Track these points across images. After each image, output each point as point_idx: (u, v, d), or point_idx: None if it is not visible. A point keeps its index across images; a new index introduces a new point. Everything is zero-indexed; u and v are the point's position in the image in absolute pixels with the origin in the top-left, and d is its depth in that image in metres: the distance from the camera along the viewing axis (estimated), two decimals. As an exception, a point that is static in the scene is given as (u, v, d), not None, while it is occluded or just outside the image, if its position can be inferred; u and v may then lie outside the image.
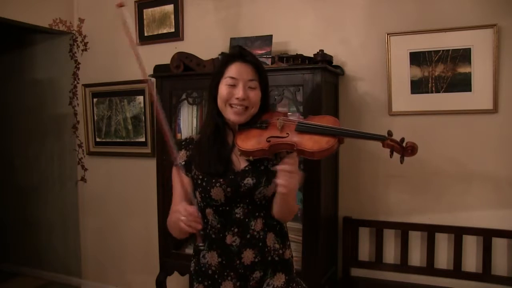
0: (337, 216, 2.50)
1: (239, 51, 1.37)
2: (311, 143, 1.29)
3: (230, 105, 1.34)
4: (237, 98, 1.31)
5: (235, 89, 1.33)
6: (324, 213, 2.21)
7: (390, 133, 1.30)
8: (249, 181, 1.34)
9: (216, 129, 1.38)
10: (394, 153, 1.31)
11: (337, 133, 1.30)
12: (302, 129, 1.32)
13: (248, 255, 1.35)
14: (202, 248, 1.39)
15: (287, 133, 1.32)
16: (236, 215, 1.35)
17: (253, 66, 1.35)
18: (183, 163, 1.39)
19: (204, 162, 1.35)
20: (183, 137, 2.31)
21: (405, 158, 1.29)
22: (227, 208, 1.35)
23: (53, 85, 3.50)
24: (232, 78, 1.33)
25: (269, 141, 1.32)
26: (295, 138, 1.32)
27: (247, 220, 1.35)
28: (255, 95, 1.35)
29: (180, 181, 1.36)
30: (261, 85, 1.37)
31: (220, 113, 1.38)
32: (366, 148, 2.41)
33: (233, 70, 1.34)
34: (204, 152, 1.36)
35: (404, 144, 1.29)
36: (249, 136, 1.35)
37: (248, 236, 1.35)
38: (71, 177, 3.49)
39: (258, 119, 1.39)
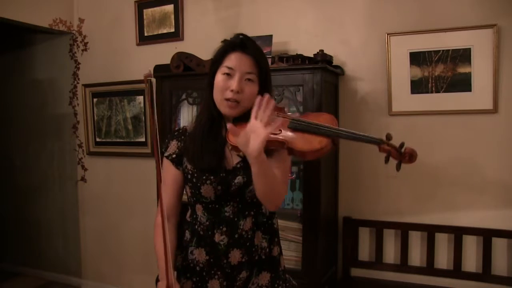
0: (337, 216, 2.50)
1: (241, 40, 1.29)
2: (302, 142, 1.22)
3: (225, 98, 1.27)
4: (231, 90, 1.25)
5: (230, 79, 1.26)
6: (324, 213, 2.21)
7: (388, 137, 1.21)
8: (239, 179, 1.29)
9: (211, 120, 1.33)
10: (391, 159, 1.21)
11: (331, 133, 1.23)
12: (295, 127, 1.26)
13: (235, 255, 1.31)
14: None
15: (279, 130, 1.25)
16: (226, 213, 1.31)
17: (254, 58, 1.28)
18: (174, 156, 1.36)
19: (197, 154, 1.30)
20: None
21: (402, 164, 1.19)
22: (217, 205, 1.32)
23: (53, 85, 3.50)
24: (229, 68, 1.27)
25: None
26: (287, 135, 1.25)
27: (236, 219, 1.32)
28: (250, 89, 1.27)
29: (171, 176, 1.36)
30: (260, 79, 1.29)
31: (215, 104, 1.31)
32: (366, 147, 2.39)
33: (232, 60, 1.27)
34: (197, 144, 1.31)
35: (402, 150, 1.19)
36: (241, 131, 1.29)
37: (236, 235, 1.31)
38: (71, 177, 3.49)
39: None
